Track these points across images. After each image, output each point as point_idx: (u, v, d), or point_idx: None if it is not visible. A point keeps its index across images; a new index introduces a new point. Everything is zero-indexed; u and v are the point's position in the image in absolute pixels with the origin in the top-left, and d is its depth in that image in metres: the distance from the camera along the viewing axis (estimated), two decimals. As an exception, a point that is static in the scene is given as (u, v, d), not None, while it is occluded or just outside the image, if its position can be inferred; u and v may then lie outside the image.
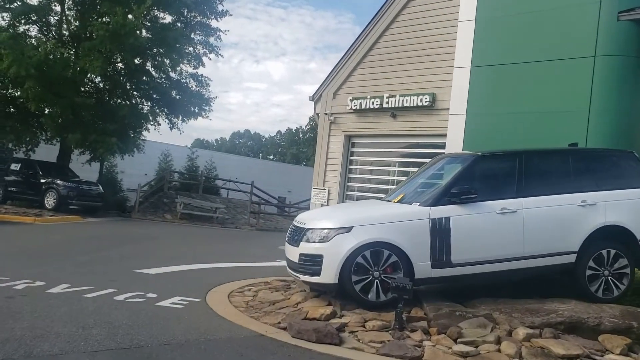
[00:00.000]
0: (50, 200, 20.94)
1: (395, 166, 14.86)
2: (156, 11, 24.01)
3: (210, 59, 29.15)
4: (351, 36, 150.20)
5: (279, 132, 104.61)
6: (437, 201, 7.17)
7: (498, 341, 6.06)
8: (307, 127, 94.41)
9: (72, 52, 22.99)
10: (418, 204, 7.30)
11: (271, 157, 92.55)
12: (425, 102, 13.44)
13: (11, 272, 8.50)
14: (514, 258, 7.22)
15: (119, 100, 24.53)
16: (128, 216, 23.84)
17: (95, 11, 22.44)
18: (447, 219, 7.07)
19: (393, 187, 14.61)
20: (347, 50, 15.55)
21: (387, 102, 14.17)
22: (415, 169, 13.82)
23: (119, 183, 27.97)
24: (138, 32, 21.65)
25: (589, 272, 7.32)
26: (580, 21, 9.86)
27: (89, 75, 23.03)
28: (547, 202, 7.32)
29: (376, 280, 6.91)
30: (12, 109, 22.96)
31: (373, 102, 14.48)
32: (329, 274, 6.89)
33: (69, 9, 23.57)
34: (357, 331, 6.27)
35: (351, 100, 14.93)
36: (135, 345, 5.37)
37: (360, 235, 6.90)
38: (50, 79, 20.67)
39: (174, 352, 5.26)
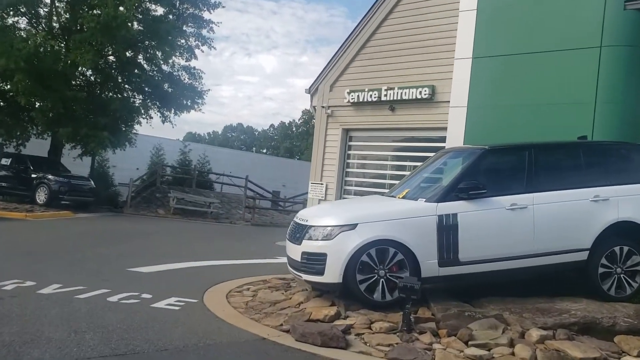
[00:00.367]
0: (41, 196, 20.57)
1: (394, 160, 14.57)
2: (148, 3, 23.62)
3: (202, 51, 28.79)
4: (343, 29, 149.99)
5: (271, 125, 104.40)
6: (444, 197, 6.89)
7: (511, 344, 5.79)
8: (301, 120, 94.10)
9: (62, 44, 22.52)
10: (424, 200, 7.02)
11: (264, 150, 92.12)
12: (425, 94, 13.14)
13: (0, 271, 8.18)
14: (524, 256, 6.97)
15: (111, 94, 24.11)
16: (120, 211, 23.46)
17: (86, 3, 21.92)
18: (455, 215, 6.79)
19: (392, 182, 14.37)
20: (344, 42, 15.22)
21: (386, 95, 13.86)
22: (415, 164, 13.64)
23: (111, 178, 27.57)
24: (129, 24, 21.22)
25: (601, 269, 7.08)
26: (585, 10, 9.58)
27: (80, 69, 22.62)
28: (559, 198, 7.06)
29: (382, 280, 6.64)
30: (1, 103, 22.58)
31: (371, 95, 14.16)
32: (332, 273, 6.61)
33: (59, 1, 23.08)
34: (363, 333, 6.00)
35: (348, 93, 14.61)
36: (131, 352, 5.07)
37: (365, 233, 6.61)
38: (40, 72, 20.26)
39: (171, 359, 4.96)
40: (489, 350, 5.64)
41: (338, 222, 6.77)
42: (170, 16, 23.98)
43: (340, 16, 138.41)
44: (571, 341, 5.89)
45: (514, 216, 6.93)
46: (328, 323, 6.28)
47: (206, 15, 24.54)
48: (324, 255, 6.66)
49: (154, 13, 23.94)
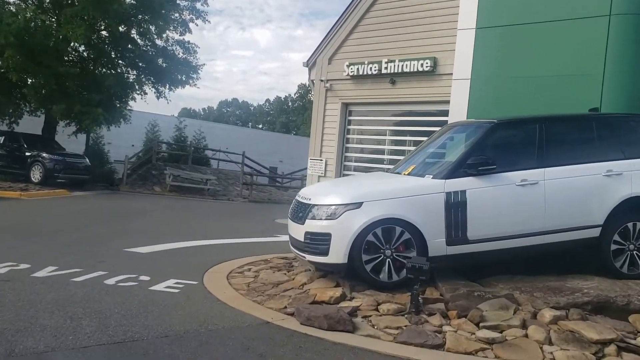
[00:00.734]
0: (36, 174, 20.34)
1: (395, 135, 14.27)
2: (141, -25, 23.04)
3: (197, 25, 27.82)
4: (339, 2, 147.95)
5: (267, 100, 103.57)
6: (452, 173, 6.63)
7: (523, 325, 5.58)
8: (297, 95, 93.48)
9: (53, 19, 22.00)
10: (431, 176, 6.76)
11: (260, 126, 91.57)
12: (426, 67, 12.80)
13: (-7, 254, 7.95)
14: (535, 233, 6.73)
15: (104, 70, 23.69)
16: (116, 189, 23.20)
17: (77, -25, 21.43)
18: (463, 192, 6.54)
19: (392, 157, 14.11)
20: (343, 12, 14.78)
21: (386, 68, 13.50)
22: (417, 139, 13.38)
23: (106, 155, 27.25)
24: (122, -3, 20.76)
25: (613, 246, 6.85)
26: (593, -23, 9.23)
27: (72, 44, 22.17)
28: (570, 173, 6.80)
29: (388, 260, 6.42)
30: (-8, 80, 22.10)
31: (371, 68, 13.79)
32: (337, 254, 6.37)
33: (49, -27, 22.53)
34: (370, 316, 5.79)
35: (348, 66, 14.24)
36: (130, 339, 4.85)
37: (370, 212, 6.36)
38: (31, 48, 19.82)
39: (172, 346, 4.75)
40: (501, 332, 5.43)
41: (343, 200, 6.51)
42: (164, -12, 23.44)
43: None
44: (585, 321, 5.68)
45: (525, 192, 6.69)
46: (333, 305, 6.07)
47: (200, -13, 24.03)
48: (328, 235, 6.42)
49: (147, -15, 23.40)
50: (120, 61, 24.19)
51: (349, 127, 14.93)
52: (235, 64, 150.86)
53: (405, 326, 5.50)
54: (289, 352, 4.82)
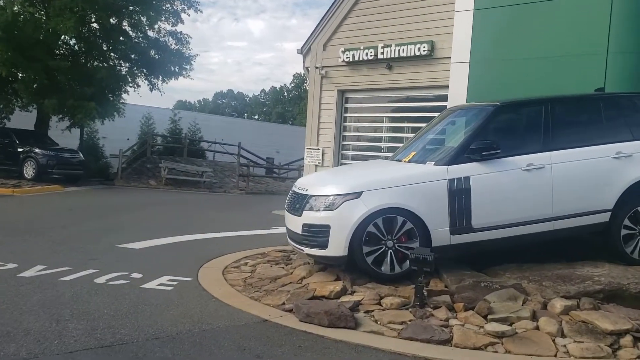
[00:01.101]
0: (29, 170, 20.01)
1: (393, 122, 13.98)
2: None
3: (189, 15, 27.55)
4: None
5: (262, 91, 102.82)
6: (454, 159, 6.34)
7: (534, 316, 5.32)
8: (292, 85, 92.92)
9: (42, 12, 21.57)
10: (433, 163, 6.47)
11: (256, 117, 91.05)
12: (424, 51, 12.51)
13: (-21, 254, 7.65)
14: (542, 219, 6.45)
15: (96, 63, 23.30)
16: (111, 184, 22.92)
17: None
18: (467, 178, 6.25)
19: (390, 144, 13.83)
20: (337, -3, 14.46)
21: (382, 53, 13.21)
22: (415, 125, 13.10)
23: (101, 149, 26.96)
24: (112, -12, 20.37)
25: (624, 231, 6.58)
26: (595, -48, 8.91)
27: (62, 37, 21.82)
28: (578, 156, 6.51)
29: (390, 251, 6.14)
30: (-19, 75, 21.72)
31: (367, 53, 13.50)
32: (337, 246, 6.09)
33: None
34: (372, 310, 5.52)
35: (343, 52, 13.93)
36: (119, 342, 4.56)
37: (370, 201, 6.08)
38: (20, 42, 19.47)
39: (164, 349, 4.47)
40: (510, 324, 5.16)
41: (341, 190, 6.22)
42: (154, -21, 23.01)
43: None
44: (598, 311, 5.42)
45: (531, 177, 6.40)
46: (334, 300, 5.79)
47: (191, -24, 23.60)
48: (327, 226, 6.13)
49: (136, -24, 22.97)
50: (112, 54, 23.79)
51: (346, 114, 14.65)
52: (230, 55, 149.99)
53: (410, 321, 5.23)
54: (288, 352, 4.55)
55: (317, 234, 6.23)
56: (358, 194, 6.12)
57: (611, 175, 6.55)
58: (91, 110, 20.69)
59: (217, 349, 4.52)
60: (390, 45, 13.05)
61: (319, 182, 6.83)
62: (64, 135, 23.23)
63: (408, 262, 6.10)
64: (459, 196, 6.23)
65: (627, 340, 4.90)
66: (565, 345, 4.83)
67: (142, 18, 22.95)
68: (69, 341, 4.52)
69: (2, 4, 20.07)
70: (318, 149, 14.57)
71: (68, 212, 13.63)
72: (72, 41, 23.08)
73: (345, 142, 14.60)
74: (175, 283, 6.58)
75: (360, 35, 13.79)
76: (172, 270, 7.22)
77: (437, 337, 4.88)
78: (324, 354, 4.53)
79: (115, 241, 9.21)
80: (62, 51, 23.05)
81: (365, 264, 6.12)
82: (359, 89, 14.21)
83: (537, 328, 5.12)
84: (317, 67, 14.62)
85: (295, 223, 6.61)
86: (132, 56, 23.60)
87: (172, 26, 23.83)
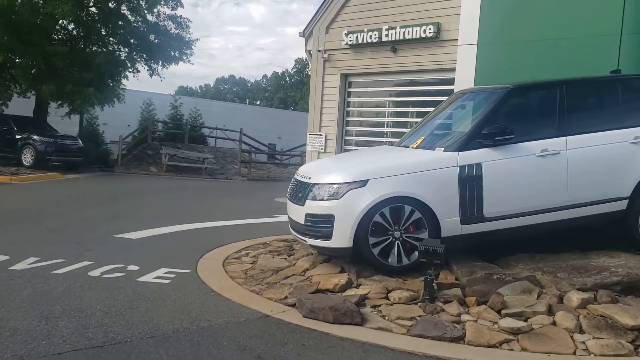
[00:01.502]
0: (27, 157, 19.79)
1: (398, 106, 13.63)
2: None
3: (189, -1, 26.94)
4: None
5: (264, 76, 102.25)
6: (465, 145, 6.02)
7: (549, 310, 5.03)
8: (294, 70, 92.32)
9: (39, -5, 21.21)
10: (442, 149, 6.16)
11: (258, 102, 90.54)
12: (430, 33, 12.11)
13: (-29, 245, 7.39)
14: (556, 208, 6.15)
15: (95, 48, 23.00)
16: (111, 170, 22.66)
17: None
18: (479, 165, 5.94)
19: (395, 130, 13.49)
20: (340, -22, 14.04)
21: (387, 35, 12.81)
22: (421, 109, 12.74)
23: (101, 136, 26.70)
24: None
25: (641, 220, 6.28)
26: None
27: (60, 22, 21.46)
28: (595, 141, 6.19)
29: (397, 242, 5.85)
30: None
31: (371, 36, 13.10)
32: (342, 237, 5.80)
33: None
34: (380, 305, 5.23)
35: (346, 35, 13.53)
36: (111, 341, 4.29)
37: (377, 190, 5.77)
38: (17, 27, 19.14)
39: (159, 349, 4.18)
40: (525, 320, 4.88)
41: (346, 178, 5.91)
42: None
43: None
44: (616, 304, 5.13)
45: (545, 163, 6.09)
46: (339, 294, 5.52)
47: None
48: (331, 216, 5.83)
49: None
50: (110, 38, 23.48)
51: (349, 99, 14.28)
52: (231, 40, 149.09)
53: (420, 316, 4.95)
54: (291, 351, 4.27)
55: (320, 224, 5.93)
56: (364, 182, 5.82)
57: (629, 161, 6.23)
58: (90, 96, 20.44)
59: (216, 349, 4.24)
60: (395, 28, 12.67)
61: (323, 169, 6.53)
62: (64, 121, 22.96)
63: (416, 253, 5.82)
64: (470, 184, 5.92)
65: (649, 336, 4.62)
66: (584, 342, 4.56)
67: (141, 2, 22.59)
68: (58, 341, 4.25)
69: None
70: (321, 135, 14.24)
71: (66, 200, 13.37)
72: (71, 26, 22.74)
73: (348, 128, 14.26)
74: (173, 276, 6.30)
75: (364, 17, 13.38)
76: (170, 261, 6.94)
77: (449, 334, 4.60)
78: (329, 354, 4.25)
79: (112, 231, 8.94)
80: (60, 36, 22.75)
81: (371, 256, 5.83)
82: (363, 73, 13.83)
83: (554, 323, 4.84)
84: (319, 51, 14.24)
85: (297, 212, 6.31)
86: (132, 41, 23.25)
87: (171, 10, 23.53)
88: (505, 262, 6.32)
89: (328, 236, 5.88)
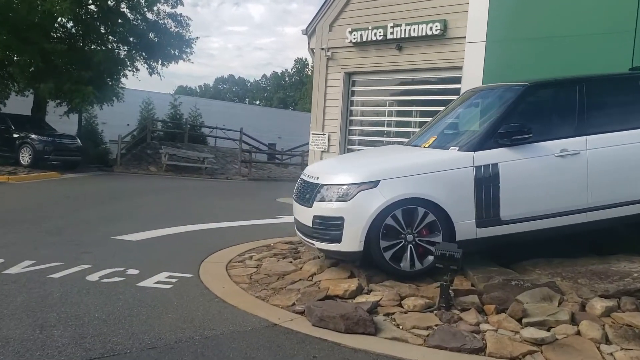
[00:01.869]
0: (25, 157, 19.53)
1: (403, 105, 13.35)
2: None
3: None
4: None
5: (264, 76, 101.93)
6: (481, 144, 5.76)
7: (573, 319, 4.77)
8: (293, 70, 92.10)
9: (37, -7, 20.93)
10: (457, 148, 5.89)
11: (257, 102, 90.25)
12: (436, 30, 11.84)
13: (-36, 248, 7.11)
14: (576, 210, 5.90)
15: (94, 46, 22.72)
16: (110, 170, 22.38)
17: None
18: (495, 165, 5.68)
19: (400, 129, 13.23)
20: (344, -26, 13.75)
21: (392, 33, 12.53)
22: (427, 109, 12.48)
23: (100, 135, 26.42)
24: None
25: (664, 223, 6.02)
26: None
27: (59, 20, 21.19)
28: (616, 140, 5.93)
29: (410, 245, 5.58)
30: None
31: (375, 34, 12.82)
32: (352, 240, 5.53)
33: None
34: (393, 313, 4.96)
35: (350, 32, 13.25)
36: (109, 353, 4.01)
37: (389, 191, 5.50)
38: (15, 24, 18.87)
39: (161, 361, 3.92)
40: (548, 329, 4.62)
41: (356, 179, 5.64)
42: (153, -41, 22.31)
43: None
44: (642, 312, 4.88)
45: (564, 164, 5.83)
46: (349, 300, 5.25)
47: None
48: (341, 219, 5.56)
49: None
50: (110, 37, 23.21)
51: (353, 98, 14.00)
52: (231, 40, 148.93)
53: (436, 325, 4.68)
54: (301, 363, 4.01)
55: (329, 227, 5.66)
56: (375, 183, 5.55)
57: (651, 161, 5.97)
58: (89, 94, 20.21)
59: (221, 361, 3.97)
60: (400, 25, 12.39)
61: (331, 169, 6.25)
62: (62, 120, 22.70)
63: (429, 257, 5.59)
64: (487, 185, 5.66)
65: (680, 347, 4.35)
66: (612, 354, 4.28)
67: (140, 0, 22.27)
68: (53, 352, 3.97)
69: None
70: (324, 134, 13.97)
71: (64, 200, 13.09)
72: (69, 24, 22.48)
73: (352, 127, 13.98)
74: (174, 280, 6.02)
75: (369, 14, 13.10)
76: (171, 265, 6.67)
77: (469, 345, 4.33)
78: (343, 367, 3.98)
79: (111, 232, 8.66)
80: (58, 34, 22.49)
81: (382, 260, 5.57)
82: (367, 71, 13.56)
83: (579, 333, 4.57)
84: (322, 49, 13.96)
85: (305, 214, 6.04)
86: (131, 39, 23.00)
87: (171, 8, 23.29)
88: (521, 266, 6.07)
89: (337, 239, 5.61)
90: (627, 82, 6.48)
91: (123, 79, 23.87)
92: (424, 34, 12.02)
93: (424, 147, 6.42)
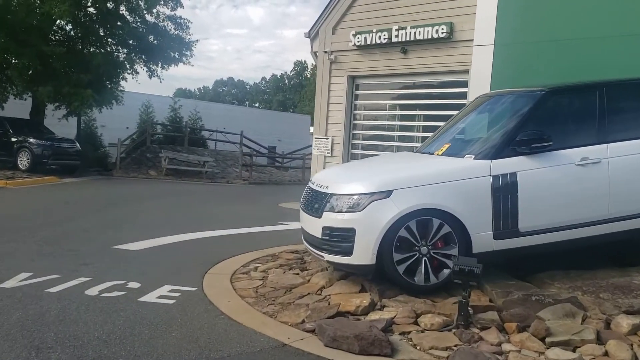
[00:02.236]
0: (23, 161, 19.30)
1: (408, 110, 13.09)
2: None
3: None
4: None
5: (263, 78, 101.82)
6: (498, 152, 5.50)
7: (598, 337, 4.51)
8: (293, 72, 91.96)
9: (35, -5, 20.69)
10: (473, 156, 5.63)
11: (257, 104, 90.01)
12: (442, 33, 11.60)
13: (-42, 259, 6.84)
14: (597, 222, 5.64)
15: (93, 49, 22.44)
16: (109, 174, 22.15)
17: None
18: (514, 174, 5.43)
19: (404, 133, 13.00)
20: (348, -24, 13.50)
21: (397, 36, 12.30)
22: (431, 113, 12.25)
23: (99, 138, 26.19)
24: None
25: (688, 235, 5.76)
26: None
27: (58, 22, 20.97)
28: (638, 148, 5.68)
29: (424, 258, 5.32)
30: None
31: (380, 37, 12.58)
32: (364, 253, 5.27)
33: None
34: (409, 332, 4.69)
35: (354, 35, 13.01)
36: (110, 378, 3.76)
37: (403, 201, 5.25)
38: (13, 27, 18.65)
39: (165, 388, 3.66)
40: (574, 349, 4.37)
41: (368, 188, 5.38)
42: (152, -39, 22.06)
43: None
44: (670, 330, 4.63)
45: (585, 173, 5.58)
46: (362, 317, 5.00)
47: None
48: (352, 230, 5.30)
49: (134, -42, 22.02)
50: (109, 39, 22.98)
51: (357, 102, 13.76)
52: (230, 43, 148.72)
53: (456, 346, 4.42)
54: (315, 389, 3.75)
55: (340, 239, 5.40)
56: (388, 193, 5.29)
57: (675, 171, 5.71)
58: (88, 97, 19.99)
59: (230, 387, 3.72)
60: (405, 28, 12.16)
61: (341, 178, 5.99)
62: (61, 124, 22.48)
63: (445, 271, 5.34)
64: (505, 195, 5.40)
65: None
66: (644, 377, 4.04)
67: (140, 2, 22.13)
68: (50, 378, 3.72)
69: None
70: (327, 139, 13.71)
71: (63, 206, 12.83)
72: (68, 26, 22.24)
73: (355, 132, 13.73)
74: (177, 295, 5.75)
75: (373, 17, 12.85)
76: (174, 277, 6.41)
77: (492, 367, 4.08)
78: (359, 392, 3.73)
79: (111, 241, 8.40)
80: (57, 37, 22.29)
81: (395, 274, 5.31)
82: (371, 75, 13.31)
83: (606, 354, 4.32)
84: (326, 52, 13.72)
85: (313, 225, 5.78)
86: (130, 42, 22.75)
87: (171, 10, 23.03)
88: (538, 279, 5.81)
89: (348, 252, 5.35)
90: (649, 86, 6.22)
91: (122, 82, 23.64)
92: (429, 37, 11.78)
93: (437, 154, 6.16)
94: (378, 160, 7.26)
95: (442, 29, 11.59)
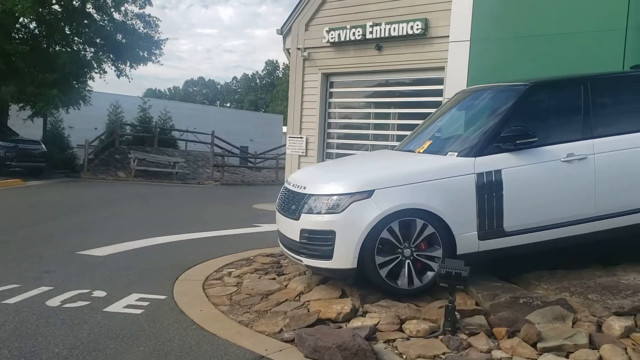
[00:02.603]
0: (-15, 164, 18.57)
1: (383, 108, 12.87)
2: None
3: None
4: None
5: (234, 78, 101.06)
6: (482, 149, 5.28)
7: (590, 341, 4.31)
8: (264, 72, 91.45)
9: (-3, -9, 20.02)
10: (456, 154, 5.40)
11: (228, 104, 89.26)
12: (417, 29, 11.39)
13: None
14: (583, 219, 5.46)
15: (58, 47, 21.84)
16: (77, 176, 21.55)
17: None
18: (498, 172, 5.21)
19: (379, 132, 12.80)
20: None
21: (371, 32, 12.05)
22: (407, 110, 12.06)
23: (66, 139, 25.50)
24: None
25: (677, 232, 5.61)
26: None
27: (20, 20, 20.28)
28: (625, 144, 5.51)
29: (407, 261, 5.07)
30: None
31: (354, 33, 12.32)
32: (344, 257, 5.00)
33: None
34: (394, 339, 4.43)
35: (328, 32, 12.74)
36: (71, 400, 3.42)
37: (384, 202, 4.98)
38: (-28, 24, 17.98)
39: (132, 409, 3.33)
40: (567, 355, 4.15)
41: (348, 189, 5.11)
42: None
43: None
44: (663, 332, 4.45)
45: (572, 170, 5.39)
46: (343, 325, 4.73)
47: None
48: (332, 233, 5.02)
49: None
50: (75, 38, 22.42)
51: (331, 100, 13.48)
52: (200, 42, 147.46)
53: (444, 354, 4.16)
54: (296, 406, 3.46)
55: (319, 242, 5.12)
56: (369, 193, 5.03)
57: (662, 166, 5.56)
58: (53, 97, 19.46)
59: (203, 407, 3.40)
60: (379, 24, 11.92)
61: (319, 177, 5.71)
62: (26, 125, 21.88)
63: (429, 274, 5.12)
64: (489, 193, 5.18)
65: None
66: (641, 383, 3.84)
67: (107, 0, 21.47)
68: (3, 401, 3.37)
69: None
70: (301, 138, 13.42)
71: (27, 209, 12.33)
72: (32, 24, 21.59)
73: (330, 130, 13.46)
74: (146, 304, 5.40)
75: (347, 13, 12.59)
76: (142, 284, 6.06)
77: (484, 377, 3.84)
78: (344, 409, 3.44)
79: (76, 246, 7.99)
80: (20, 35, 21.57)
81: (377, 278, 5.05)
82: (346, 72, 13.04)
83: (601, 359, 4.11)
84: (298, 49, 13.42)
85: (290, 228, 5.49)
86: (98, 40, 22.27)
87: (139, 8, 22.58)
88: (524, 280, 5.61)
89: (328, 256, 5.08)
90: (635, 80, 6.06)
91: (90, 82, 23.10)
92: (404, 33, 11.57)
93: (419, 152, 5.92)
94: (357, 159, 7.01)
95: (417, 25, 11.39)
